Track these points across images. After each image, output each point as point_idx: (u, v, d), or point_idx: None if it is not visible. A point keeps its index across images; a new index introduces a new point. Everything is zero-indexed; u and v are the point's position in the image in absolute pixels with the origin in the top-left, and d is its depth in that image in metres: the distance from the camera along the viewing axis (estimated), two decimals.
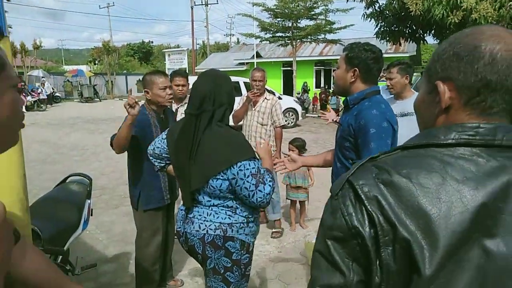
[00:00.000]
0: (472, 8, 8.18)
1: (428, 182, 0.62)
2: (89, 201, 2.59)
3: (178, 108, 3.91)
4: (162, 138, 1.94)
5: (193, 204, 1.83)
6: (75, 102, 24.01)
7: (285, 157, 4.04)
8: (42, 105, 19.05)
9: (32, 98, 18.63)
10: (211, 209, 1.79)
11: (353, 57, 1.88)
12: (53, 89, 23.02)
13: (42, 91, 19.89)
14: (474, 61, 0.66)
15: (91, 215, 2.64)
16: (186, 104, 3.94)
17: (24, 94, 18.18)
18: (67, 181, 2.74)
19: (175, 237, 2.13)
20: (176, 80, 3.80)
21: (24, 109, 17.82)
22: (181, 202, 1.93)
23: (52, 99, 22.38)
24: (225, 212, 1.77)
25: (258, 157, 1.89)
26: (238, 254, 1.79)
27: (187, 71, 20.16)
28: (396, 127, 1.84)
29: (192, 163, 1.74)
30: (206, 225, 1.77)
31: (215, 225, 1.76)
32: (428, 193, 0.61)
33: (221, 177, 1.70)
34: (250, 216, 1.84)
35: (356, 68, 1.88)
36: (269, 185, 1.71)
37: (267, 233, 3.97)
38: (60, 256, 2.11)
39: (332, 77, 22.90)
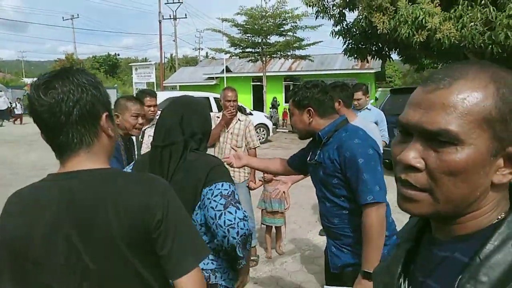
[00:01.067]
0: (436, 28, 8.46)
1: None
2: None
3: (145, 129, 3.67)
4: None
5: None
6: None
7: (260, 180, 3.90)
8: None
9: None
10: None
11: (300, 99, 1.87)
12: (10, 103, 21.80)
13: None
14: None
15: None
16: (154, 126, 3.73)
17: None
18: None
19: None
20: (147, 100, 3.58)
21: None
22: None
23: (10, 114, 21.19)
24: (208, 257, 1.54)
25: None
26: None
27: (155, 86, 19.78)
28: (380, 152, 1.81)
29: None
30: None
31: None
32: None
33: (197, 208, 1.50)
34: None
35: (309, 108, 1.85)
36: (243, 212, 1.45)
37: None
38: None
39: None
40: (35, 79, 1.00)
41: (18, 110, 19.36)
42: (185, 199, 1.48)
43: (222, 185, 1.47)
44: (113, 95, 30.88)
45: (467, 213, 0.59)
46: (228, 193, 1.46)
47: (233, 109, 3.68)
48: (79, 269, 0.93)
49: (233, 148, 2.44)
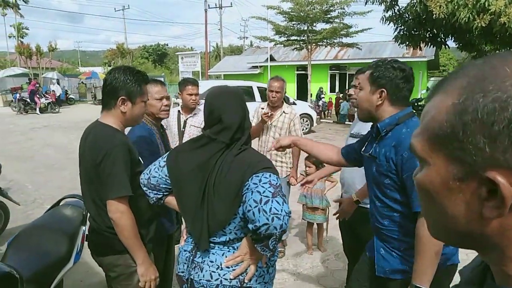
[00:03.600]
0: (501, 12, 7.73)
1: None
2: (84, 228, 2.30)
3: (187, 119, 3.63)
4: (160, 166, 1.63)
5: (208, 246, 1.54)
6: (88, 104, 24.04)
7: (301, 174, 3.75)
8: (55, 107, 19.07)
9: (46, 100, 18.65)
10: (225, 256, 1.50)
11: (379, 77, 1.64)
12: (67, 91, 23.11)
13: (54, 92, 20.00)
14: None
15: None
16: (196, 115, 3.68)
17: (38, 96, 18.20)
18: (60, 203, 2.46)
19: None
20: (189, 89, 3.53)
21: (38, 111, 17.86)
22: (181, 241, 1.66)
23: (66, 101, 22.51)
24: (222, 251, 1.52)
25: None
26: None
27: (200, 74, 19.99)
28: None
29: (211, 198, 1.47)
30: (219, 274, 1.49)
31: (229, 274, 1.49)
32: None
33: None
34: (272, 260, 1.58)
35: (383, 89, 1.63)
36: (288, 206, 1.37)
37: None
38: None
39: (346, 81, 22.27)
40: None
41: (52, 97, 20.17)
42: (229, 194, 1.43)
43: (270, 175, 1.42)
44: None
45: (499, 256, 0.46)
46: (276, 184, 1.41)
47: (275, 101, 3.55)
48: (81, 173, 1.84)
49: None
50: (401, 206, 1.61)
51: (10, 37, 31.09)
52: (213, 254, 1.52)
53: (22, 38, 30.21)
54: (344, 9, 16.47)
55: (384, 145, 1.64)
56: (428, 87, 20.34)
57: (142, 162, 1.92)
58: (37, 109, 18.01)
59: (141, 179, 1.67)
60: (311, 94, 17.74)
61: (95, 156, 1.71)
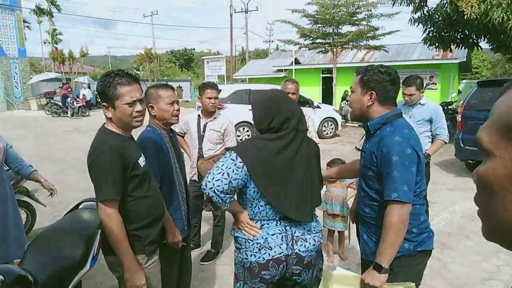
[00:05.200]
0: None
1: None
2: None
3: (207, 123, 3.62)
4: (238, 167, 1.68)
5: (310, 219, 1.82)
6: None
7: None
8: (86, 110, 19.68)
9: (77, 104, 19.31)
10: (313, 219, 1.83)
11: (369, 80, 1.83)
12: (96, 95, 23.84)
13: (84, 96, 20.68)
14: None
15: None
16: (215, 119, 3.66)
17: (69, 99, 18.86)
18: (79, 207, 2.49)
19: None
20: (208, 92, 3.52)
21: (69, 115, 18.50)
22: (250, 231, 1.79)
23: (96, 104, 23.24)
24: (315, 218, 1.87)
25: None
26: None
27: (225, 78, 20.07)
28: (421, 154, 1.76)
29: (314, 180, 1.82)
30: (318, 236, 1.86)
31: (320, 233, 1.88)
32: None
33: None
34: None
35: (373, 91, 1.82)
36: None
37: None
38: None
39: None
40: None
41: (80, 101, 20.67)
42: (312, 163, 1.85)
43: None
44: (186, 87, 32.29)
45: None
46: None
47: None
48: None
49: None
50: (380, 197, 1.78)
51: (45, 43, 32.44)
52: (305, 223, 1.80)
53: (56, 44, 31.45)
54: (370, 11, 16.17)
55: (371, 141, 1.84)
56: (459, 90, 19.62)
57: (142, 166, 1.90)
58: (69, 112, 18.66)
59: (218, 186, 1.64)
60: (342, 97, 17.42)
61: (87, 161, 1.81)
